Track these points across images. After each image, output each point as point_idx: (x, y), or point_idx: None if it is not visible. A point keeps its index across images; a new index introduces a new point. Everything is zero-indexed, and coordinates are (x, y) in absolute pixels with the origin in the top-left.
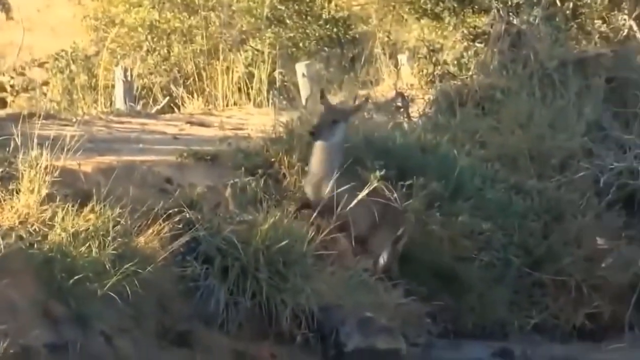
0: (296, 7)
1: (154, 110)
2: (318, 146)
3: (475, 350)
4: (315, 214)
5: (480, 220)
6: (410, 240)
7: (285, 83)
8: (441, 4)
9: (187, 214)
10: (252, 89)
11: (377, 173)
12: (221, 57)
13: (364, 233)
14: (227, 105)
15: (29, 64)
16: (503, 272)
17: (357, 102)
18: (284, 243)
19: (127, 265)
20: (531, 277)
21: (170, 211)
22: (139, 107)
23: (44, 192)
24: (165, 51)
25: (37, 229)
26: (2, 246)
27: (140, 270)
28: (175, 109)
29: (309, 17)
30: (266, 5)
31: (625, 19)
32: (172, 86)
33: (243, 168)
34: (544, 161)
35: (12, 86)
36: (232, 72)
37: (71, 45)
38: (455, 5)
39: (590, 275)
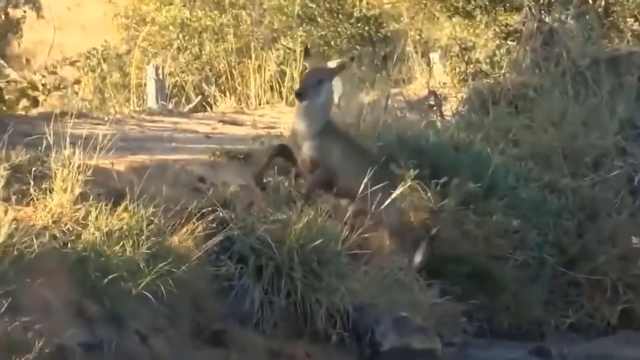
0: (327, 5)
1: (186, 109)
2: (302, 106)
3: (511, 350)
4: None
5: (514, 219)
6: (445, 239)
7: None
8: (473, 2)
9: (221, 213)
10: (284, 87)
11: (411, 172)
12: (253, 56)
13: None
14: (259, 104)
15: (61, 63)
16: (538, 271)
17: (341, 62)
18: (318, 242)
19: (161, 264)
20: (566, 276)
21: (204, 210)
22: (171, 106)
23: (77, 191)
24: (197, 49)
25: (71, 228)
26: (35, 246)
27: (174, 270)
28: (208, 108)
29: (340, 15)
30: (297, 3)
31: None
32: (204, 85)
33: (276, 167)
34: (578, 159)
35: (43, 85)
36: (264, 70)
37: (102, 44)
38: (487, 3)
39: (625, 274)
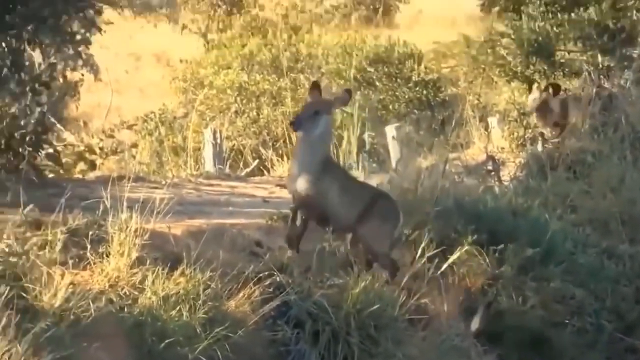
0: (386, 70)
1: (243, 173)
2: (299, 138)
3: None
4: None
5: (572, 285)
6: (502, 304)
7: (375, 146)
8: (532, 67)
9: (278, 278)
10: (341, 151)
11: (469, 237)
12: None
13: None
14: None
15: (118, 126)
16: (595, 337)
17: (341, 94)
18: (375, 307)
19: (217, 329)
20: (624, 342)
21: (261, 275)
22: (228, 170)
23: (134, 255)
24: (255, 113)
25: (128, 293)
26: (92, 310)
27: (231, 334)
28: (265, 172)
29: (398, 80)
30: (355, 68)
31: None
32: (261, 148)
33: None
34: (636, 225)
35: (101, 148)
36: None
37: (160, 107)
38: (546, 68)
39: None
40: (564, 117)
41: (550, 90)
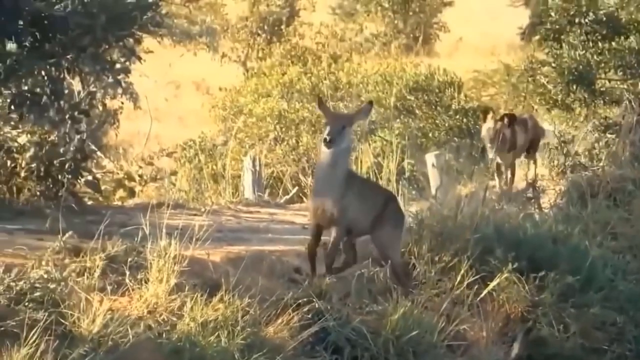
0: (425, 98)
1: (282, 200)
2: (324, 153)
3: None
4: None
5: (612, 311)
6: (543, 331)
7: (415, 173)
8: (572, 95)
9: (316, 304)
10: (381, 179)
11: (509, 265)
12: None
13: None
14: None
15: (157, 154)
16: None
17: (364, 107)
18: (414, 333)
19: (256, 355)
20: None
21: (300, 301)
22: (267, 197)
23: (173, 281)
24: (294, 141)
25: (166, 319)
26: (130, 336)
27: None
28: (304, 199)
29: (438, 108)
30: (395, 95)
31: None
32: (300, 176)
33: (370, 258)
34: None
35: (140, 176)
36: (361, 162)
37: (199, 135)
38: (586, 96)
39: None
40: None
41: (506, 120)
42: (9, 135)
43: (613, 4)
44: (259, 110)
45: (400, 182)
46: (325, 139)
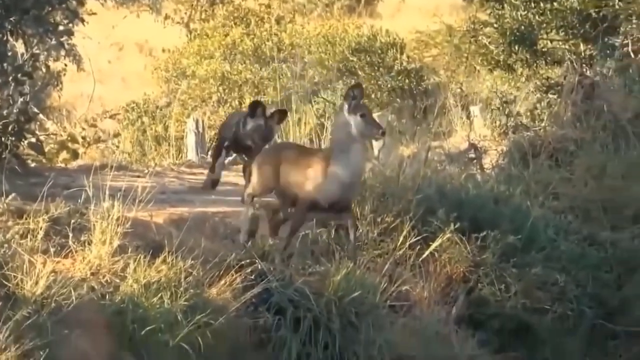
0: (368, 59)
1: (226, 162)
2: (358, 144)
3: None
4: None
5: (554, 271)
6: (484, 291)
7: None
8: (514, 56)
9: (259, 265)
10: (324, 140)
11: (451, 225)
12: (293, 108)
13: None
14: None
15: (100, 116)
16: (576, 323)
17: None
18: (356, 294)
19: (199, 316)
20: (605, 328)
21: (243, 262)
22: (210, 158)
23: (116, 243)
24: (237, 102)
25: (109, 280)
26: (74, 297)
27: (212, 322)
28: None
29: (380, 69)
30: (338, 57)
31: None
32: None
33: (314, 219)
34: (618, 213)
35: (83, 138)
36: (304, 123)
37: (142, 97)
38: (528, 56)
39: None
40: None
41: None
42: None
43: None
44: (202, 72)
45: None
46: (383, 131)
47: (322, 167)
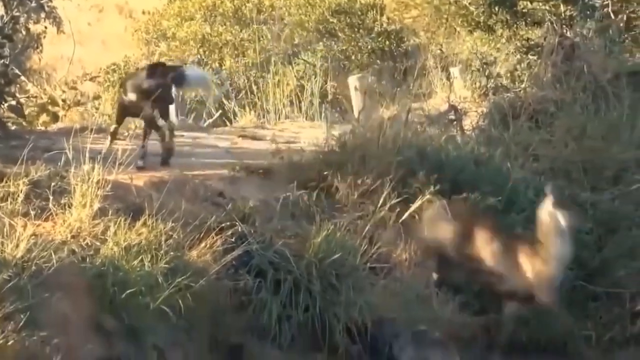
0: (348, 20)
1: (206, 124)
2: None
3: None
4: None
5: (534, 233)
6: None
7: (338, 96)
8: (494, 17)
9: (240, 228)
10: (303, 102)
11: (431, 187)
12: (273, 70)
13: None
14: (279, 119)
15: (81, 78)
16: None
17: None
18: (337, 256)
19: (179, 278)
20: (585, 290)
21: (223, 225)
22: (190, 121)
23: (96, 206)
24: (217, 64)
25: (90, 243)
26: (54, 260)
27: (192, 284)
28: (227, 123)
29: (360, 30)
30: (317, 18)
31: None
32: (224, 99)
33: (295, 182)
34: (598, 174)
35: (63, 100)
36: (284, 85)
37: (122, 59)
38: (508, 17)
39: None
40: None
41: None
42: None
43: None
44: (182, 34)
45: (323, 105)
46: None
47: None
